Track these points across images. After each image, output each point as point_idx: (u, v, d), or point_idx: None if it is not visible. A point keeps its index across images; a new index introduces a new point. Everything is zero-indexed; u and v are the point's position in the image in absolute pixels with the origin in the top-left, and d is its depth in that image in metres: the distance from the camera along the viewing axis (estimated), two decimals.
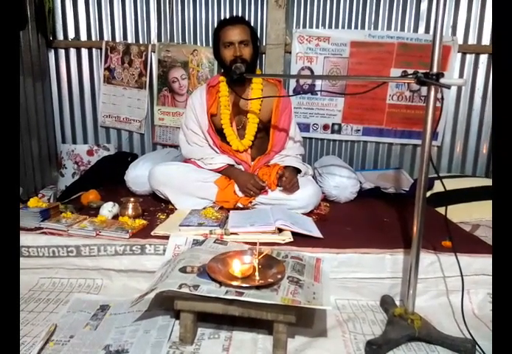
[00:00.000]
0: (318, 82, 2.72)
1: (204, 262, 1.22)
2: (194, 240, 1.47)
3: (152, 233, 1.52)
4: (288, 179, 1.80)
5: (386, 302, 1.33)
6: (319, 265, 1.33)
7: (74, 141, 2.92)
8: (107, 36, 2.76)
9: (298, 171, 1.96)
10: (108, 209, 1.72)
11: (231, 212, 1.77)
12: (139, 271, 1.44)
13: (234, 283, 1.10)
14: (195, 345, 1.11)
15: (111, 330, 1.17)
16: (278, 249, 1.39)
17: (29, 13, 2.48)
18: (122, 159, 2.60)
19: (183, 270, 1.19)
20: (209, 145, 1.99)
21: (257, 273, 1.15)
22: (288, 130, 2.02)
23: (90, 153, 2.74)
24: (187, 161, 2.04)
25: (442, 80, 1.05)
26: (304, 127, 2.72)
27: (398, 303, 1.35)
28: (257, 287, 1.10)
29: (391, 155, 2.81)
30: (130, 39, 2.76)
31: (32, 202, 1.66)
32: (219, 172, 1.92)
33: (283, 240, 1.47)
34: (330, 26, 2.64)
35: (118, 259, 1.45)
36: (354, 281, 1.39)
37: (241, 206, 1.85)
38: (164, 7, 2.69)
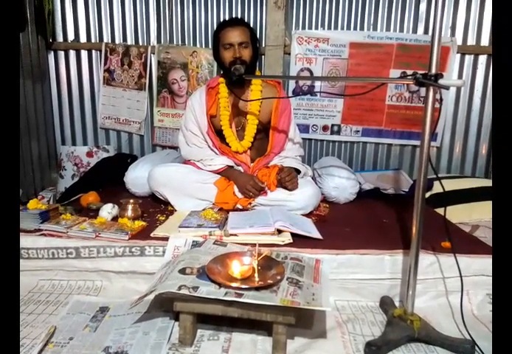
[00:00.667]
0: (317, 84, 2.73)
1: (204, 264, 1.22)
2: (193, 241, 1.47)
3: (151, 234, 1.52)
4: (287, 172, 1.81)
5: (385, 303, 1.33)
6: (318, 266, 1.33)
7: (74, 143, 2.92)
8: (106, 38, 2.76)
9: (298, 172, 1.96)
10: (108, 210, 1.72)
11: (230, 213, 1.77)
12: (138, 272, 1.44)
13: (234, 284, 1.10)
14: (195, 347, 1.11)
15: (110, 331, 1.17)
16: (277, 250, 1.39)
17: (28, 15, 2.48)
18: (122, 161, 2.60)
19: (182, 271, 1.19)
20: (209, 146, 2.00)
21: (256, 275, 1.15)
22: (288, 131, 2.02)
23: (89, 154, 2.74)
24: (186, 162, 2.04)
25: (441, 81, 1.05)
26: (303, 128, 2.73)
27: (397, 304, 1.35)
28: (257, 289, 1.10)
29: (390, 156, 2.81)
30: (130, 41, 2.76)
31: (32, 204, 1.66)
32: (218, 173, 1.93)
33: (283, 241, 1.47)
34: (329, 28, 2.65)
35: (117, 261, 1.45)
36: (353, 282, 1.39)
37: (241, 207, 1.85)
38: (164, 9, 2.69)
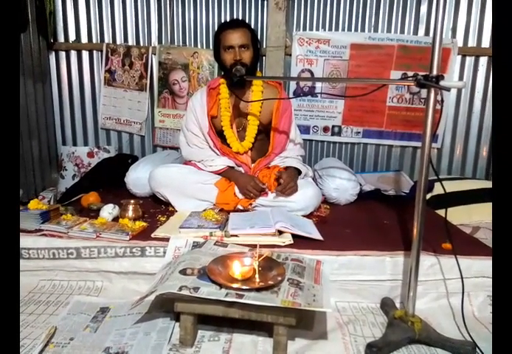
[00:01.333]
0: (318, 85, 2.73)
1: (204, 265, 1.22)
2: (194, 242, 1.47)
3: (152, 235, 1.52)
4: (285, 182, 1.79)
5: (386, 305, 1.33)
6: (319, 267, 1.33)
7: (75, 143, 2.92)
8: (108, 38, 2.76)
9: (299, 173, 1.96)
10: (109, 211, 1.72)
11: (231, 214, 1.77)
12: (139, 273, 1.44)
13: (235, 285, 1.10)
14: (195, 347, 1.11)
15: (111, 332, 1.17)
16: (278, 251, 1.39)
17: (30, 16, 2.48)
18: (123, 161, 2.60)
19: (183, 272, 1.19)
20: (210, 147, 2.00)
21: (257, 276, 1.15)
22: (289, 132, 2.02)
23: (90, 155, 2.74)
24: (187, 163, 2.04)
25: (441, 83, 1.05)
26: (304, 130, 2.73)
27: (398, 305, 1.34)
28: (257, 290, 1.10)
29: (391, 158, 2.81)
30: (131, 41, 2.76)
31: (33, 204, 1.66)
32: (219, 174, 1.93)
33: (283, 242, 1.47)
34: (330, 29, 2.65)
35: (118, 262, 1.45)
36: (354, 283, 1.39)
37: (241, 208, 1.85)
38: (165, 10, 2.70)
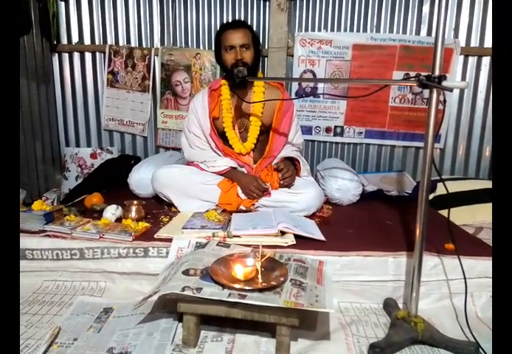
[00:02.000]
0: (320, 85, 2.73)
1: (207, 265, 1.22)
2: (197, 242, 1.47)
3: (155, 236, 1.53)
4: (286, 168, 1.85)
5: (389, 305, 1.33)
6: (321, 267, 1.33)
7: (78, 145, 2.94)
8: (110, 40, 2.78)
9: (295, 165, 1.97)
10: (112, 211, 1.73)
11: (233, 214, 1.77)
12: (142, 273, 1.44)
13: (237, 286, 1.10)
14: (198, 348, 1.11)
15: (114, 332, 1.17)
16: (281, 252, 1.40)
17: (33, 18, 2.49)
18: (125, 162, 2.61)
19: (186, 272, 1.19)
20: (212, 148, 2.00)
21: (259, 276, 1.15)
22: (288, 133, 2.02)
23: (93, 156, 2.75)
24: (189, 163, 2.05)
25: (444, 83, 1.05)
26: (306, 130, 2.73)
27: (401, 306, 1.34)
28: (260, 290, 1.10)
29: (393, 158, 2.81)
30: (134, 43, 2.78)
31: (36, 205, 1.67)
32: (222, 174, 1.93)
33: (286, 242, 1.47)
34: (332, 30, 2.65)
35: (121, 262, 1.46)
36: (357, 284, 1.39)
37: (244, 208, 1.86)
38: (167, 11, 2.71)
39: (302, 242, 1.49)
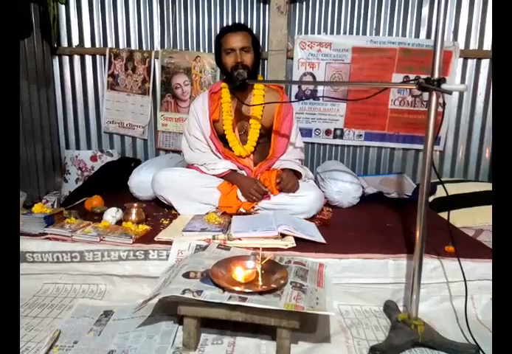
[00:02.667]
0: (320, 88, 2.73)
1: (207, 268, 1.22)
2: (197, 245, 1.47)
3: (155, 238, 1.53)
4: (286, 181, 1.82)
5: (389, 308, 1.33)
6: (322, 270, 1.33)
7: (78, 147, 2.94)
8: (111, 43, 2.78)
9: (298, 176, 1.96)
10: (112, 214, 1.73)
11: (234, 217, 1.77)
12: (142, 276, 1.44)
13: (238, 289, 1.10)
14: (199, 351, 1.11)
15: (114, 335, 1.17)
16: (281, 254, 1.40)
17: (33, 21, 2.51)
18: (126, 165, 2.61)
19: (186, 275, 1.19)
20: (212, 151, 2.00)
21: (260, 279, 1.15)
22: (289, 136, 2.03)
23: (93, 158, 2.76)
24: (190, 166, 2.05)
25: (443, 86, 1.06)
26: (306, 133, 2.73)
27: (401, 308, 1.34)
28: (261, 293, 1.10)
29: (393, 160, 2.81)
30: (134, 46, 2.78)
31: (37, 208, 1.67)
32: (222, 177, 1.93)
33: (286, 245, 1.47)
34: (331, 32, 2.66)
35: (121, 265, 1.46)
36: (357, 286, 1.39)
37: (244, 211, 1.86)
38: (168, 14, 2.71)
39: (303, 244, 1.49)
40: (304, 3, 2.62)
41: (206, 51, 2.73)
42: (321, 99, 2.72)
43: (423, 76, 1.11)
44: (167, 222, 1.76)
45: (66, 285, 1.49)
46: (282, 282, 1.14)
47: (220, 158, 1.99)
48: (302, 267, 1.30)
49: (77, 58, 2.82)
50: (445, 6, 1.07)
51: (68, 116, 2.91)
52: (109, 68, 2.79)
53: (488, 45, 2.58)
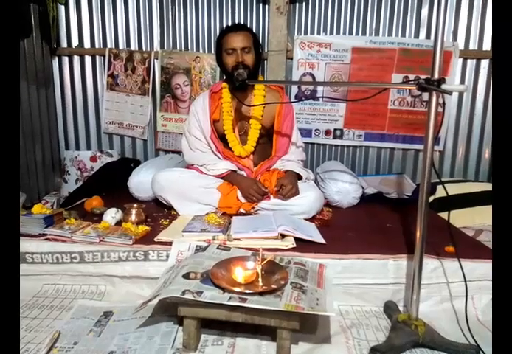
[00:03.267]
0: (320, 88, 2.73)
1: (207, 268, 1.22)
2: (197, 246, 1.47)
3: (155, 239, 1.53)
4: (286, 189, 1.80)
5: (389, 308, 1.33)
6: (322, 270, 1.33)
7: (78, 148, 2.94)
8: (110, 43, 2.78)
9: (299, 177, 1.96)
10: (112, 215, 1.73)
11: (234, 217, 1.77)
12: (142, 277, 1.44)
13: (238, 289, 1.10)
14: (199, 352, 1.11)
15: (114, 336, 1.17)
16: (281, 255, 1.39)
17: (33, 21, 2.50)
18: (125, 165, 2.61)
19: (186, 276, 1.19)
20: (212, 151, 2.00)
21: (260, 280, 1.15)
22: (291, 135, 2.03)
23: (93, 159, 2.75)
24: (189, 167, 2.05)
25: (443, 86, 1.06)
26: (306, 133, 2.73)
27: (401, 309, 1.34)
28: (261, 294, 1.10)
29: (393, 161, 2.81)
30: (134, 46, 2.78)
31: (36, 208, 1.66)
32: (222, 177, 1.93)
33: (286, 245, 1.47)
34: (331, 33, 2.66)
35: (121, 266, 1.46)
36: (357, 287, 1.39)
37: (244, 211, 1.86)
38: (167, 15, 2.71)
39: (303, 245, 1.49)
40: (303, 3, 2.62)
41: (206, 51, 2.74)
42: (320, 99, 2.72)
43: (423, 76, 1.11)
44: (166, 222, 1.76)
45: (65, 285, 1.48)
46: (283, 282, 1.14)
47: (220, 158, 1.99)
48: (302, 267, 1.30)
49: (76, 59, 2.82)
50: (444, 6, 1.07)
51: (68, 116, 2.91)
52: (109, 68, 2.79)
53: (487, 45, 2.58)
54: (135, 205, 1.76)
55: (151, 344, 1.12)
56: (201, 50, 2.75)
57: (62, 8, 2.73)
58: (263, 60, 2.56)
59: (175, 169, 2.01)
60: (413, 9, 2.59)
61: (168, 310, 1.23)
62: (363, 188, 2.27)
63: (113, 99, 2.84)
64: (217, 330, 1.19)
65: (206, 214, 1.79)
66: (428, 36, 2.61)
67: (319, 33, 2.66)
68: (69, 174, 2.75)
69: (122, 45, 2.78)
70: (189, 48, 2.75)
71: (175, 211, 1.89)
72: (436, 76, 1.07)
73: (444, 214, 1.97)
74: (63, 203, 2.37)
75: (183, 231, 1.55)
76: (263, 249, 1.29)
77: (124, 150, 2.93)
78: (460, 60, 2.62)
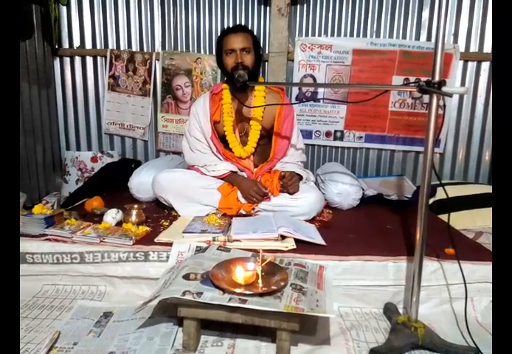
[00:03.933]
0: (320, 90, 2.74)
1: (207, 269, 1.22)
2: (197, 246, 1.47)
3: (155, 240, 1.53)
4: (289, 176, 1.83)
5: (389, 310, 1.33)
6: (322, 272, 1.33)
7: (79, 148, 2.94)
8: (111, 44, 2.79)
9: (300, 178, 1.96)
10: (112, 215, 1.73)
11: (234, 218, 1.77)
12: (142, 277, 1.44)
13: (238, 290, 1.10)
14: (199, 352, 1.11)
15: (114, 337, 1.17)
16: (281, 256, 1.39)
17: (35, 22, 2.51)
18: (126, 166, 2.61)
19: (186, 277, 1.19)
20: (212, 152, 2.01)
21: (260, 281, 1.15)
22: (291, 137, 2.03)
23: (94, 159, 2.76)
24: (190, 167, 2.05)
25: (444, 89, 1.06)
26: (306, 134, 2.74)
27: (401, 311, 1.34)
28: (261, 295, 1.10)
29: (393, 162, 2.81)
30: (135, 47, 2.79)
31: (37, 209, 1.66)
32: (222, 178, 1.93)
33: (286, 247, 1.47)
34: (332, 34, 2.66)
35: (121, 266, 1.46)
36: (357, 288, 1.39)
37: (244, 212, 1.86)
38: (168, 16, 2.72)
39: (303, 246, 1.49)
40: (304, 5, 2.63)
41: (207, 52, 2.74)
42: (321, 101, 2.73)
43: (424, 78, 1.12)
44: (167, 223, 1.76)
45: (65, 286, 1.48)
46: (283, 284, 1.14)
47: (220, 159, 1.99)
48: (302, 269, 1.30)
49: (78, 59, 2.83)
50: (445, 8, 1.07)
51: (69, 117, 2.91)
52: (110, 69, 2.79)
53: (488, 47, 2.59)
54: (135, 206, 1.76)
55: (151, 344, 1.12)
56: (202, 51, 2.75)
57: (64, 9, 2.74)
58: (263, 62, 2.56)
59: (175, 170, 2.01)
60: (414, 11, 2.60)
61: (168, 310, 1.23)
62: (363, 190, 2.27)
63: (115, 100, 2.84)
64: (217, 331, 1.19)
65: (207, 215, 1.79)
66: (429, 38, 2.61)
67: (319, 35, 2.67)
68: (70, 174, 2.75)
69: (123, 46, 2.79)
70: (191, 49, 2.76)
71: (176, 212, 1.89)
72: (437, 78, 1.08)
73: (444, 217, 1.97)
74: (63, 204, 2.37)
75: (183, 232, 1.55)
76: (263, 250, 1.29)
77: (125, 151, 2.94)
78: (461, 63, 2.62)
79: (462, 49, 2.60)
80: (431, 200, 2.21)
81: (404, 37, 2.63)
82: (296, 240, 1.51)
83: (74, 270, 1.48)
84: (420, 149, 2.69)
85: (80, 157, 2.76)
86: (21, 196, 2.27)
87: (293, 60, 2.67)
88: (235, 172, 1.96)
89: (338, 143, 2.79)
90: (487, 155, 2.75)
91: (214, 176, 1.94)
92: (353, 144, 2.78)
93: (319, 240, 1.55)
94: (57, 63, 2.82)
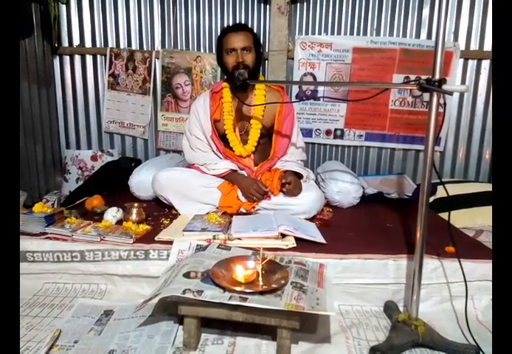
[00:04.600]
0: (320, 88, 2.74)
1: (208, 268, 1.23)
2: (197, 245, 1.47)
3: (156, 238, 1.53)
4: (293, 185, 1.81)
5: (389, 308, 1.33)
6: (322, 270, 1.33)
7: (79, 147, 2.94)
8: (111, 43, 2.78)
9: (300, 177, 1.96)
10: (112, 214, 1.73)
11: (234, 217, 1.77)
12: (142, 276, 1.45)
13: (238, 289, 1.10)
14: (199, 351, 1.11)
15: (115, 335, 1.17)
16: (281, 255, 1.40)
17: (34, 21, 2.51)
18: (126, 164, 2.61)
19: (187, 275, 1.20)
20: (213, 151, 2.00)
21: (260, 279, 1.15)
22: (291, 135, 2.03)
23: (94, 158, 2.76)
24: (190, 166, 2.05)
25: (444, 87, 1.06)
26: (306, 133, 2.73)
27: (401, 309, 1.34)
28: (261, 293, 1.10)
29: (393, 161, 2.81)
30: (135, 46, 2.78)
31: (37, 207, 1.67)
32: (222, 177, 1.93)
33: (286, 245, 1.47)
34: (332, 33, 2.66)
35: (122, 265, 1.46)
36: (357, 286, 1.39)
37: (244, 211, 1.86)
38: (168, 14, 2.72)
39: (303, 245, 1.49)
40: (304, 3, 2.63)
41: (207, 51, 2.74)
42: (321, 99, 2.73)
43: (424, 76, 1.11)
44: (167, 222, 1.76)
45: (66, 284, 1.49)
46: (283, 282, 1.14)
47: (220, 158, 1.99)
48: (302, 267, 1.30)
49: (77, 58, 2.82)
50: (445, 6, 1.07)
51: (69, 115, 2.91)
52: (110, 68, 2.79)
53: (488, 46, 2.58)
54: (136, 204, 1.77)
55: (151, 342, 1.12)
56: (202, 50, 2.75)
57: (63, 7, 2.73)
58: (263, 60, 2.56)
59: (175, 169, 2.01)
60: (414, 9, 2.59)
61: (168, 309, 1.23)
62: (363, 188, 2.27)
63: (114, 98, 2.84)
64: (217, 329, 1.20)
65: (207, 213, 1.79)
66: (429, 36, 2.61)
67: (320, 33, 2.66)
68: (70, 173, 2.75)
69: (123, 44, 2.78)
70: (190, 47, 2.76)
71: (176, 210, 1.90)
72: (437, 76, 1.08)
73: (444, 215, 1.97)
74: (63, 202, 2.38)
75: (183, 231, 1.56)
76: (264, 249, 1.29)
77: (125, 150, 2.94)
78: (461, 61, 2.62)
79: (462, 47, 2.59)
80: (431, 199, 2.21)
81: (404, 35, 2.63)
82: (297, 239, 1.52)
83: (75, 268, 1.48)
84: (421, 147, 2.69)
85: (80, 156, 2.76)
86: (22, 195, 2.27)
87: (293, 59, 2.66)
88: (235, 171, 1.96)
89: (338, 141, 2.78)
90: (487, 154, 2.75)
91: (214, 175, 1.94)
92: (353, 143, 2.78)
93: (319, 238, 1.55)
94: (56, 61, 2.82)
